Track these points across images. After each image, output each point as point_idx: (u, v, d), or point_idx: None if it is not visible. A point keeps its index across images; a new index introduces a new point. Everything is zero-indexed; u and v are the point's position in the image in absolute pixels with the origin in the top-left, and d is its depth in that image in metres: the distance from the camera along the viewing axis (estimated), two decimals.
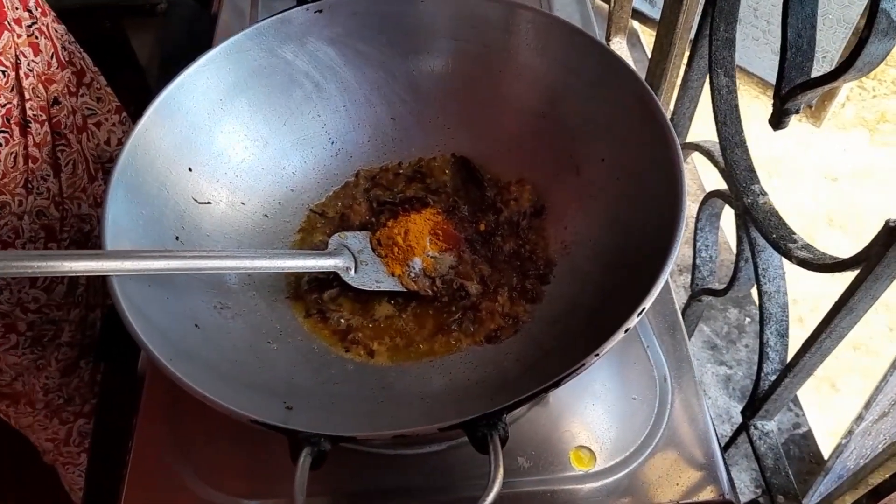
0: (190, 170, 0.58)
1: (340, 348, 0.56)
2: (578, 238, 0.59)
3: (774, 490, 0.66)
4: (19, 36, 0.65)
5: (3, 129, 0.64)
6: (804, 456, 1.12)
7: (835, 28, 1.52)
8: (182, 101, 0.57)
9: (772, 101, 0.57)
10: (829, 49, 1.56)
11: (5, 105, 0.64)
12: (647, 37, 1.78)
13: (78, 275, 0.48)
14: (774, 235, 0.60)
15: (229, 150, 0.61)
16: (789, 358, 0.61)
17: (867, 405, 0.66)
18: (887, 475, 0.49)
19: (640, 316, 0.43)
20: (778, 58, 0.55)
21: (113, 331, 0.85)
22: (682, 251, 0.50)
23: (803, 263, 0.56)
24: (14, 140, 0.66)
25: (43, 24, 0.70)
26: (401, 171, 0.67)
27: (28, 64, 0.66)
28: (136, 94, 0.95)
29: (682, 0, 0.74)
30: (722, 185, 0.71)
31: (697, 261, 0.84)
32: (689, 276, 0.87)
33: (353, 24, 0.64)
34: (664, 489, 0.54)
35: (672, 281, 0.61)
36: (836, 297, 0.52)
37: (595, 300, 0.53)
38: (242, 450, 0.56)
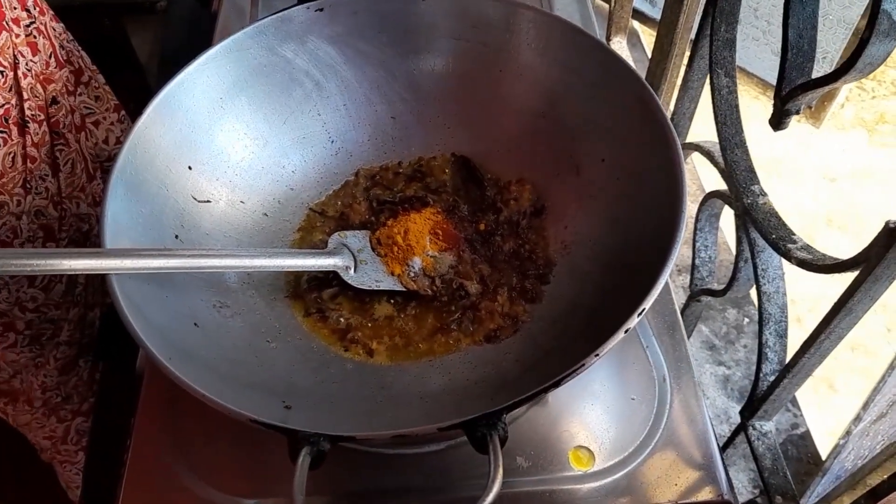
0: (190, 168, 0.58)
1: (340, 347, 0.56)
2: (578, 238, 0.59)
3: (772, 490, 0.66)
4: (17, 35, 0.65)
5: (1, 129, 0.64)
6: (802, 456, 1.12)
7: (835, 29, 1.52)
8: (182, 100, 0.57)
9: (772, 102, 0.57)
10: (829, 50, 1.56)
11: (3, 105, 0.64)
12: (648, 37, 1.78)
13: (77, 273, 0.47)
14: (774, 236, 0.60)
15: (229, 148, 0.61)
16: (788, 358, 0.61)
17: (865, 406, 0.66)
18: (885, 476, 0.49)
19: (641, 316, 0.43)
20: (778, 58, 0.55)
21: (112, 329, 0.85)
22: (681, 251, 0.50)
23: (803, 264, 0.56)
24: (12, 140, 0.66)
25: (41, 22, 0.70)
26: (401, 171, 0.67)
27: (26, 64, 0.66)
28: (135, 93, 0.95)
29: (682, 0, 0.74)
30: (721, 185, 0.71)
31: (697, 261, 0.84)
32: (689, 277, 0.87)
33: (353, 22, 0.63)
34: (663, 489, 0.54)
35: (671, 281, 0.61)
36: (834, 298, 0.52)
37: (595, 300, 0.53)
38: (241, 449, 0.56)
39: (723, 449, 0.69)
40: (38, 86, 0.69)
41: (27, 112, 0.67)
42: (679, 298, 1.09)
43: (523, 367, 0.52)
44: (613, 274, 0.53)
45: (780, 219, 0.61)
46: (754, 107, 1.76)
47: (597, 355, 0.41)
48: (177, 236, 0.55)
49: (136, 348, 0.52)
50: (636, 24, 1.79)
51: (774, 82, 0.56)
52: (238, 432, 0.55)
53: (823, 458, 0.80)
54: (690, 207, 0.92)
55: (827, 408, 1.29)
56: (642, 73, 0.59)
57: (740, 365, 1.24)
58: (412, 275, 0.59)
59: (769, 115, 0.58)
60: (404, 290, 0.58)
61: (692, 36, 0.76)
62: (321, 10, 0.62)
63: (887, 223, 0.44)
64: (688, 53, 0.76)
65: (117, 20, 1.23)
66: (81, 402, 0.88)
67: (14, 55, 0.65)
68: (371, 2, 0.63)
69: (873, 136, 1.77)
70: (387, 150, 0.68)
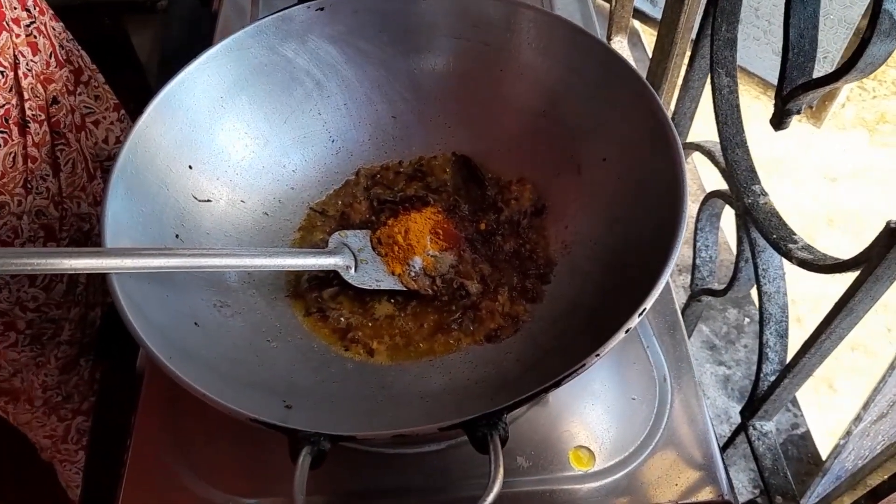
0: (190, 167, 0.58)
1: (340, 347, 0.56)
2: (579, 238, 0.59)
3: (773, 490, 0.66)
4: (18, 36, 0.65)
5: (1, 129, 0.64)
6: (802, 456, 1.12)
7: (836, 28, 1.52)
8: (183, 99, 0.57)
9: (773, 102, 0.57)
10: (830, 49, 1.56)
11: (4, 105, 0.64)
12: (649, 36, 1.78)
13: (77, 272, 0.47)
14: (775, 236, 0.60)
15: (230, 147, 0.61)
16: (788, 359, 0.61)
17: (865, 406, 0.66)
18: (886, 476, 0.48)
19: (642, 316, 0.43)
20: (779, 58, 0.55)
21: (112, 328, 0.85)
22: (681, 251, 0.50)
23: (803, 264, 0.56)
24: (13, 140, 0.66)
25: (41, 22, 0.70)
26: (401, 170, 0.67)
27: (27, 64, 0.66)
28: (135, 93, 0.95)
29: (683, 0, 0.74)
30: (722, 185, 0.71)
31: (697, 261, 0.84)
32: (689, 276, 0.87)
33: (354, 22, 0.63)
34: (663, 489, 0.54)
35: (672, 281, 0.61)
36: (834, 298, 0.52)
37: (595, 300, 0.53)
38: (242, 448, 0.56)
39: (723, 449, 0.69)
40: (39, 86, 0.69)
41: (28, 112, 0.67)
42: (680, 298, 1.09)
43: (524, 367, 0.52)
44: (614, 273, 0.53)
45: (780, 219, 0.61)
46: (755, 106, 1.76)
47: (597, 355, 0.41)
48: (177, 236, 0.55)
49: (136, 347, 0.52)
50: (637, 24, 1.79)
51: (775, 82, 0.56)
52: (238, 432, 0.55)
53: (824, 458, 0.80)
54: (691, 207, 0.91)
55: (827, 408, 1.29)
56: (643, 73, 0.59)
57: (741, 365, 1.24)
58: (413, 274, 0.59)
59: (770, 115, 0.58)
60: (405, 289, 0.58)
61: (693, 35, 0.76)
62: (322, 9, 0.62)
63: (888, 223, 0.44)
64: (689, 53, 0.76)
65: (118, 19, 1.23)
66: (82, 401, 0.89)
67: (14, 55, 0.65)
68: (372, 1, 0.63)
69: (874, 136, 1.77)
70: (387, 150, 0.68)
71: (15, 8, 0.66)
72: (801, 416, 1.16)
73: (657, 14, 1.69)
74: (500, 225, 0.62)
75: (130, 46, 1.26)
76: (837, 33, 1.52)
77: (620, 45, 1.00)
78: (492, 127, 0.66)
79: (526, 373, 0.51)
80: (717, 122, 0.68)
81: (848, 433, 0.67)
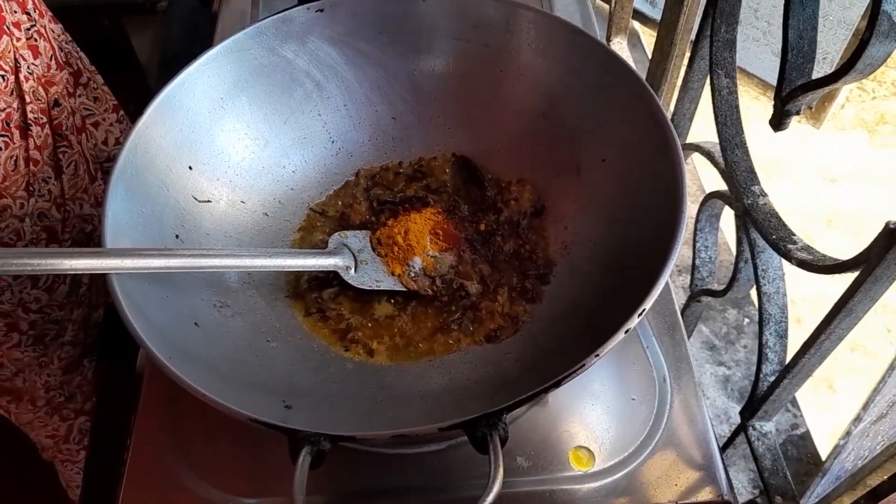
0: (190, 168, 0.58)
1: (340, 347, 0.56)
2: (578, 238, 0.59)
3: (772, 491, 0.66)
4: (18, 39, 0.65)
5: (2, 132, 0.64)
6: (802, 457, 1.12)
7: (835, 29, 1.52)
8: (183, 100, 0.57)
9: (772, 102, 0.57)
10: (829, 50, 1.56)
11: (5, 109, 0.64)
12: (648, 37, 1.78)
13: (78, 273, 0.47)
14: (774, 236, 0.60)
15: (230, 148, 0.61)
16: (788, 359, 0.61)
17: (865, 406, 0.66)
18: (885, 477, 0.49)
19: (641, 317, 0.43)
20: (778, 59, 0.55)
21: (112, 329, 0.85)
22: (681, 252, 0.50)
23: (803, 265, 0.56)
24: (14, 143, 0.66)
25: (41, 25, 0.70)
26: (401, 171, 0.67)
27: (28, 67, 0.66)
28: (135, 94, 0.95)
29: (682, 1, 0.74)
30: (722, 185, 0.71)
31: (697, 261, 0.84)
32: (689, 277, 0.87)
33: (354, 23, 0.64)
34: (663, 489, 0.54)
35: (671, 281, 0.61)
36: (834, 299, 0.52)
37: (595, 300, 0.53)
38: (242, 448, 0.56)
39: (723, 449, 0.69)
40: (40, 89, 0.69)
41: (29, 115, 0.67)
42: (679, 299, 1.09)
43: (523, 367, 0.52)
44: (613, 274, 0.53)
45: (780, 219, 0.61)
46: (754, 107, 1.76)
47: (597, 355, 0.41)
48: (177, 236, 0.55)
49: (136, 348, 0.52)
50: (636, 25, 1.79)
51: (775, 83, 0.56)
52: (238, 432, 0.55)
53: (823, 458, 0.80)
54: (691, 208, 0.92)
55: (827, 408, 1.29)
56: (642, 74, 0.59)
57: (740, 365, 1.24)
58: (412, 275, 0.59)
59: (769, 116, 0.58)
60: (405, 289, 0.58)
61: (692, 37, 0.76)
62: (322, 10, 0.62)
63: (887, 224, 0.44)
64: (688, 54, 0.76)
65: (117, 21, 1.23)
66: (84, 401, 0.89)
67: (15, 59, 0.65)
68: (371, 2, 0.63)
69: (874, 137, 1.78)
70: (387, 151, 0.68)
71: (15, 11, 0.66)
72: (801, 416, 1.16)
73: (657, 15, 1.69)
74: (500, 225, 0.62)
75: (130, 48, 1.26)
76: (837, 34, 1.53)
77: (620, 46, 1.00)
78: (491, 128, 0.66)
79: (525, 373, 0.51)
80: (717, 123, 0.68)
81: (847, 433, 0.67)
